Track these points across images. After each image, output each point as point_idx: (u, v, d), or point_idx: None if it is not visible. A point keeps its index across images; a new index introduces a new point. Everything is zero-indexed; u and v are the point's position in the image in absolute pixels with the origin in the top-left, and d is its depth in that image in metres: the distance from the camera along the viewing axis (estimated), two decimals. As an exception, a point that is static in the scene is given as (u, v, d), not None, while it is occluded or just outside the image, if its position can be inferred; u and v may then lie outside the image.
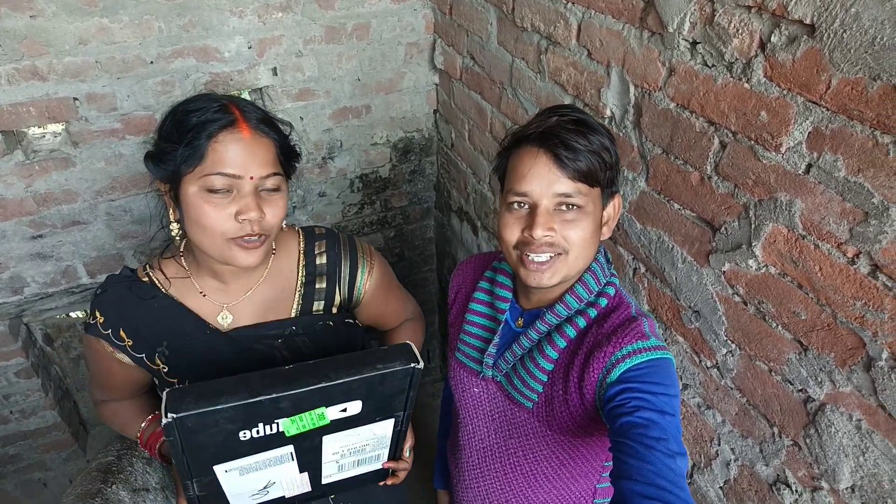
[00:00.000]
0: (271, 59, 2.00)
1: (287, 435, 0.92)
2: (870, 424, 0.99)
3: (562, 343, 1.03)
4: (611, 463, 1.11)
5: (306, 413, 0.89)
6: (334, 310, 1.23)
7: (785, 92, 0.96)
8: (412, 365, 0.90)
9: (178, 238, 1.09)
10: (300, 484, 1.09)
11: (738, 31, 1.01)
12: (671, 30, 1.13)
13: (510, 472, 1.17)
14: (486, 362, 1.13)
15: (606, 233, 1.05)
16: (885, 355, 0.92)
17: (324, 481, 1.11)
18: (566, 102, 1.52)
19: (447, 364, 1.27)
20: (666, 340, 1.38)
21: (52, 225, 2.01)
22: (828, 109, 0.91)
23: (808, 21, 0.89)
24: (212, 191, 0.96)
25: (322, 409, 0.90)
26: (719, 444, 1.30)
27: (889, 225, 0.87)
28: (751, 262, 1.10)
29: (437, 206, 2.60)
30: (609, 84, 1.35)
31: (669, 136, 1.22)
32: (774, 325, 1.09)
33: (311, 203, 2.36)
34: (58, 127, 1.94)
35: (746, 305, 1.14)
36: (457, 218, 2.44)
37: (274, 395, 0.83)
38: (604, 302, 1.05)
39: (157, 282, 1.13)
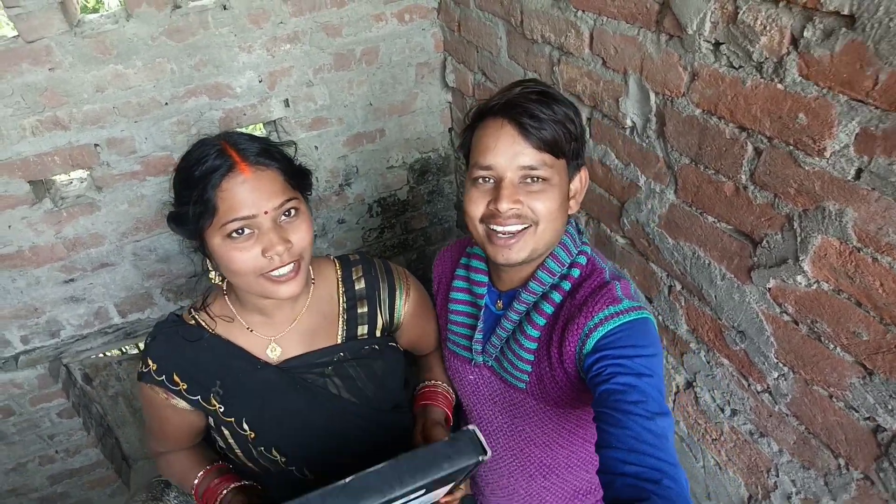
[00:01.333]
0: (282, 91, 1.95)
1: None
2: (952, 457, 0.85)
3: (541, 321, 1.01)
4: None
5: None
6: (378, 333, 1.20)
7: (825, 91, 0.85)
8: (479, 458, 0.80)
9: (220, 283, 1.09)
10: None
11: (765, 27, 0.90)
12: (691, 31, 1.03)
13: (527, 448, 1.16)
14: (474, 349, 1.12)
15: (574, 207, 1.02)
16: (965, 381, 0.79)
17: None
18: (584, 112, 1.42)
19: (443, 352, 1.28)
20: (709, 363, 1.25)
21: (82, 269, 1.99)
22: (877, 107, 0.79)
23: (845, 12, 0.78)
24: (233, 237, 0.94)
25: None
26: (777, 476, 1.17)
27: (961, 234, 0.74)
28: (799, 277, 0.97)
29: (459, 224, 2.51)
30: (627, 93, 1.24)
31: (697, 145, 1.10)
32: (832, 346, 0.97)
33: (331, 231, 2.30)
34: (82, 172, 1.94)
35: (798, 325, 1.01)
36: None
37: (351, 479, 0.75)
38: (576, 273, 1.03)
39: (203, 323, 1.12)
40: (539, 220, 0.93)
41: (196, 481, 1.18)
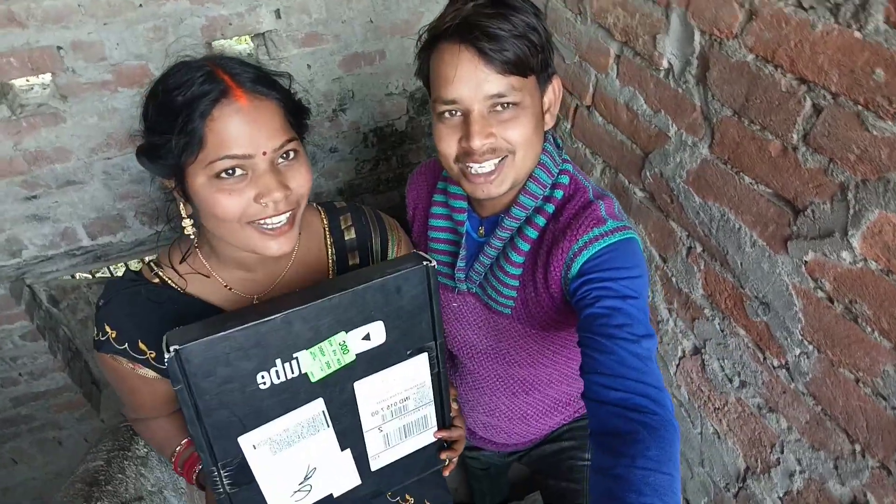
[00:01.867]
0: (274, 0, 1.76)
1: (312, 379, 0.81)
2: None
3: (525, 246, 0.99)
4: None
5: (326, 343, 0.79)
6: None
7: (915, 43, 0.74)
8: (424, 263, 0.81)
9: (192, 235, 0.93)
10: (346, 472, 0.95)
11: (853, -39, 0.77)
12: (757, -39, 0.90)
13: (511, 368, 1.15)
14: (458, 277, 1.09)
15: (549, 121, 0.95)
16: None
17: (373, 466, 0.97)
18: (612, 48, 1.29)
19: None
20: (723, 332, 1.19)
21: (45, 185, 1.84)
22: (979, 68, 0.69)
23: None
24: (222, 177, 0.81)
25: (342, 337, 0.79)
26: (782, 452, 1.14)
27: None
28: (844, 253, 0.90)
29: (459, 162, 2.38)
30: (668, 29, 1.11)
31: (744, 96, 0.99)
32: (869, 329, 0.90)
33: (322, 160, 2.15)
34: (45, 78, 1.75)
35: (832, 303, 0.95)
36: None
37: (284, 313, 0.74)
38: (559, 194, 0.98)
39: (170, 281, 0.97)
40: (516, 149, 0.88)
41: (178, 448, 1.06)
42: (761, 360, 1.12)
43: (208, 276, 0.97)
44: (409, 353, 0.87)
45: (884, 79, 0.78)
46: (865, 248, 0.87)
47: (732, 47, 0.99)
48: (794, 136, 0.93)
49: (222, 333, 0.72)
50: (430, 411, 0.97)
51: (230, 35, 1.78)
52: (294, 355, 0.78)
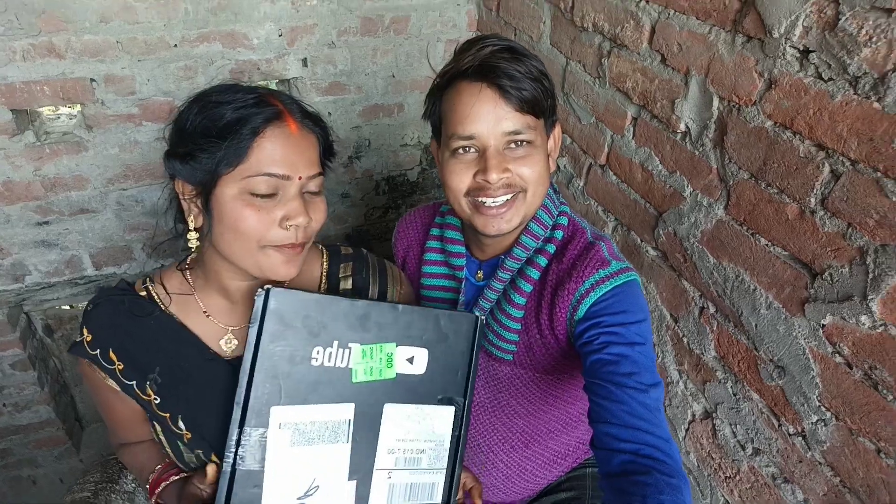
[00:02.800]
0: (302, 49, 1.83)
1: (353, 379, 0.84)
2: None
3: (527, 287, 0.99)
4: None
5: (377, 346, 0.85)
6: None
7: (934, 115, 0.77)
8: (477, 313, 0.90)
9: (193, 248, 0.92)
10: (342, 501, 0.91)
11: (871, 38, 0.82)
12: (776, 35, 0.94)
13: (510, 421, 1.12)
14: None
15: (552, 165, 0.98)
16: None
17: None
18: (629, 111, 1.34)
19: None
20: (735, 396, 1.18)
21: (59, 212, 1.86)
22: None
23: (980, 27, 0.70)
24: (255, 194, 0.82)
25: (391, 348, 0.85)
26: (796, 524, 1.10)
27: None
28: (864, 318, 0.90)
29: (468, 216, 2.42)
30: (686, 95, 1.16)
31: (762, 160, 1.02)
32: (891, 397, 0.89)
33: (333, 204, 2.19)
34: (73, 109, 1.80)
35: (851, 369, 0.94)
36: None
37: (367, 301, 0.84)
38: (560, 234, 1.00)
39: (156, 297, 0.98)
40: (528, 186, 0.91)
41: (152, 475, 1.01)
42: (776, 426, 1.10)
43: (189, 298, 0.97)
44: (439, 398, 0.90)
45: (903, 148, 0.81)
46: (885, 312, 0.87)
47: (751, 113, 1.03)
48: (812, 200, 0.95)
49: (309, 294, 0.81)
50: (440, 480, 0.93)
51: (257, 79, 1.84)
52: (349, 344, 0.83)
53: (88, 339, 0.95)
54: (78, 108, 1.75)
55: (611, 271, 0.91)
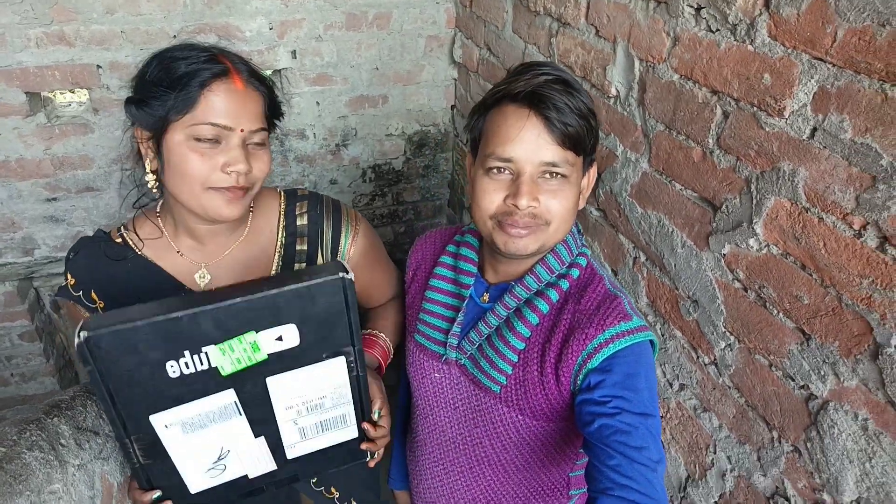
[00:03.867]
0: (291, 42, 2.01)
1: (222, 373, 0.84)
2: (877, 425, 0.87)
3: (534, 319, 0.96)
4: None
5: (236, 340, 0.81)
6: None
7: (789, 50, 0.89)
8: (340, 275, 0.81)
9: (154, 190, 1.05)
10: (261, 457, 1.00)
11: (744, -12, 0.94)
12: (678, -5, 1.08)
13: (476, 464, 1.09)
14: (450, 343, 1.05)
15: (581, 203, 0.98)
16: (894, 341, 0.82)
17: (289, 454, 1.02)
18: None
19: (404, 350, 1.20)
20: (663, 336, 1.28)
21: (66, 189, 2.04)
22: (834, 65, 0.83)
23: (815, -32, 0.82)
24: (199, 140, 0.93)
25: (252, 336, 0.82)
26: (715, 453, 1.19)
27: (898, 189, 0.78)
28: (752, 241, 1.01)
29: (450, 203, 2.55)
30: (615, 61, 1.29)
31: (672, 111, 1.14)
32: (775, 312, 0.99)
33: (322, 190, 2.34)
34: (84, 97, 1.99)
35: (746, 291, 1.05)
36: (468, 215, 2.38)
37: (192, 312, 0.77)
38: (576, 273, 0.99)
39: (130, 242, 1.10)
40: (552, 221, 0.91)
41: None
42: (695, 359, 1.20)
43: (161, 240, 1.09)
44: (325, 355, 0.90)
45: (770, 82, 0.93)
46: (767, 233, 0.98)
47: (662, 70, 1.15)
48: (710, 141, 1.07)
49: (130, 325, 0.76)
50: (350, 411, 0.99)
51: (249, 68, 2.01)
52: (203, 349, 0.82)
53: (72, 282, 1.08)
54: (86, 95, 1.94)
55: (632, 326, 0.90)
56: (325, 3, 1.98)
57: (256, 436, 0.96)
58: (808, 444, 0.98)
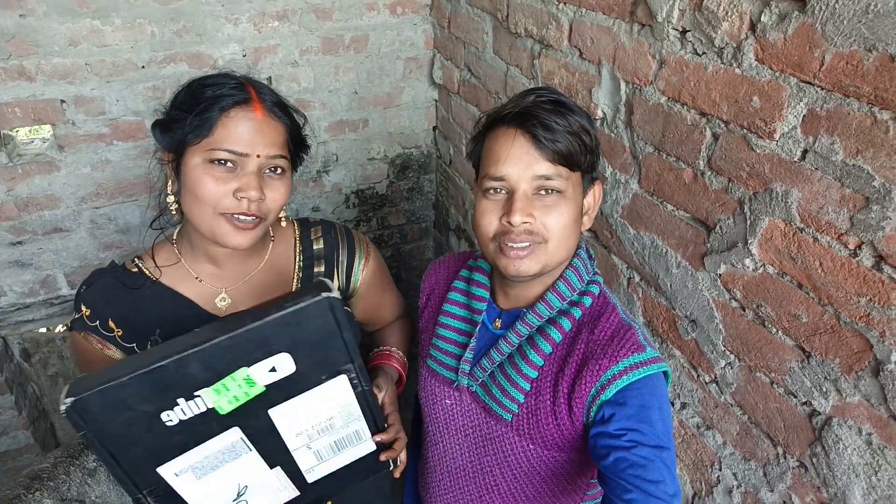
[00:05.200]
0: (266, 68, 2.01)
1: (221, 413, 0.85)
2: (881, 439, 0.91)
3: (547, 348, 0.98)
4: (596, 480, 1.04)
5: (228, 379, 0.81)
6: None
7: (777, 74, 0.93)
8: (324, 295, 0.80)
9: (174, 213, 1.07)
10: (281, 487, 1.00)
11: (727, 13, 0.98)
12: (660, 19, 1.11)
13: (486, 492, 1.10)
14: (461, 369, 1.06)
15: (587, 223, 1.01)
16: (894, 358, 0.86)
17: (308, 478, 1.01)
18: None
19: (418, 374, 1.21)
20: (663, 355, 1.31)
21: (32, 231, 2.00)
22: (822, 88, 0.87)
23: (798, -5, 0.86)
24: (215, 163, 0.96)
25: (245, 372, 0.82)
26: (720, 469, 1.21)
27: (892, 209, 0.81)
28: (747, 261, 1.04)
29: (436, 225, 2.57)
30: (600, 83, 1.32)
31: (661, 133, 1.18)
32: (774, 330, 1.03)
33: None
34: (47, 133, 1.96)
35: (744, 311, 1.08)
36: (455, 237, 2.40)
37: (176, 357, 0.77)
38: (588, 301, 1.00)
39: (146, 271, 1.11)
40: (549, 237, 0.92)
41: None
42: (695, 377, 1.22)
43: (179, 268, 1.10)
44: (324, 377, 0.90)
45: (759, 104, 0.96)
46: (762, 253, 1.01)
47: (649, 92, 1.19)
48: (701, 163, 1.10)
49: (116, 382, 0.76)
50: (362, 426, 1.00)
51: (222, 97, 2.00)
52: (196, 394, 0.82)
53: (87, 313, 1.08)
54: (50, 130, 1.91)
55: (647, 358, 0.91)
56: (300, 28, 1.99)
57: (272, 467, 0.97)
58: (814, 460, 1.01)
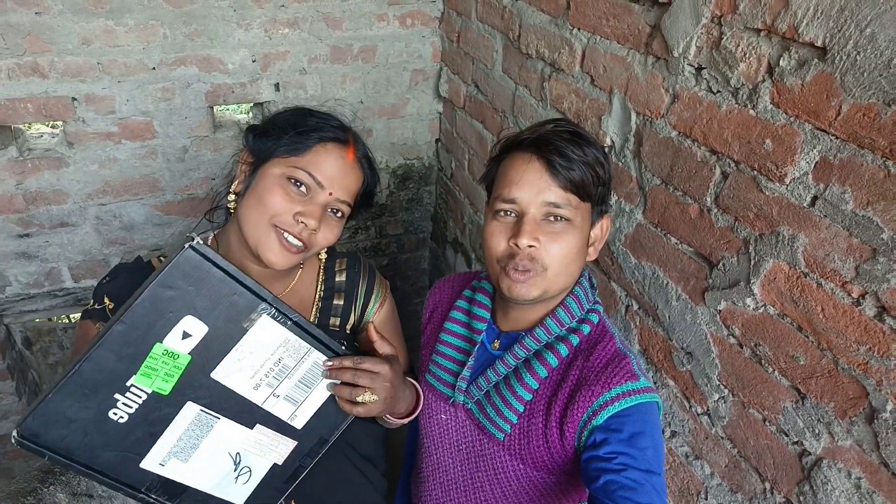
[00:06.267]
0: (274, 75, 1.97)
1: (165, 393, 0.83)
2: (870, 484, 0.89)
3: (543, 372, 0.97)
4: (585, 503, 1.02)
5: (148, 359, 0.80)
6: (348, 328, 1.18)
7: (792, 119, 0.90)
8: (186, 246, 0.77)
9: (231, 209, 1.05)
10: (274, 442, 0.97)
11: (745, 54, 0.96)
12: (676, 54, 1.08)
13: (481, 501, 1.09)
14: (458, 386, 1.06)
15: (593, 254, 1.00)
16: (889, 407, 0.83)
17: (297, 425, 0.97)
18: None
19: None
20: (656, 384, 1.28)
21: (39, 224, 1.96)
22: (837, 138, 0.84)
23: (819, 43, 0.84)
24: (292, 181, 0.97)
25: (160, 347, 0.80)
26: (706, 499, 1.19)
27: (900, 263, 0.79)
28: (748, 300, 1.02)
29: (434, 237, 2.53)
30: (610, 111, 1.30)
31: (669, 166, 1.15)
32: (771, 370, 1.00)
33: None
34: (56, 129, 1.92)
35: (742, 348, 1.05)
36: (451, 249, 2.37)
37: (84, 359, 0.76)
38: (586, 329, 0.99)
39: None
40: (548, 266, 0.91)
41: None
42: (687, 408, 1.20)
43: None
44: (245, 325, 0.86)
45: (772, 148, 0.94)
46: (764, 294, 0.99)
47: (660, 125, 1.16)
48: (708, 200, 1.07)
49: (43, 401, 0.75)
50: (318, 357, 0.94)
51: (231, 102, 1.97)
52: (127, 385, 0.80)
53: (110, 306, 1.05)
54: (60, 126, 1.86)
55: (639, 386, 0.91)
56: (310, 36, 1.95)
57: (251, 427, 0.94)
58: (801, 498, 0.99)
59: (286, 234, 0.97)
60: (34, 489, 1.01)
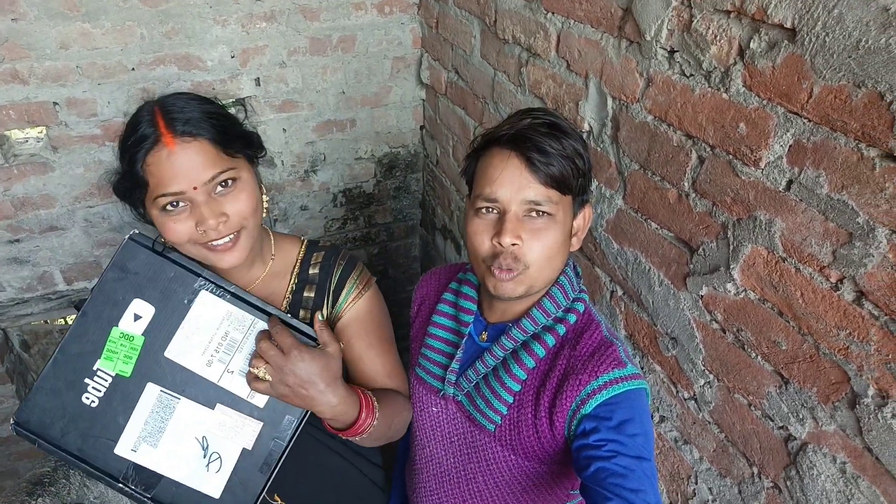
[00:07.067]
0: (254, 70, 1.93)
1: (127, 375, 0.92)
2: (855, 468, 0.87)
3: (531, 362, 0.96)
4: (577, 491, 1.02)
5: (108, 343, 0.91)
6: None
7: (765, 102, 0.87)
8: (126, 237, 0.93)
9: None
10: (239, 423, 0.95)
11: (716, 37, 0.92)
12: (648, 38, 1.05)
13: (469, 497, 1.09)
14: (448, 379, 1.05)
15: (576, 244, 0.98)
16: (871, 392, 0.82)
17: (258, 402, 0.96)
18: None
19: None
20: (643, 369, 1.27)
21: (29, 230, 1.93)
22: (809, 121, 0.81)
23: (788, 25, 0.80)
24: (167, 209, 0.92)
25: (116, 331, 0.91)
26: (696, 483, 1.18)
27: (875, 247, 0.76)
28: (729, 286, 0.99)
29: (423, 223, 2.51)
30: (587, 96, 1.26)
31: (647, 151, 1.12)
32: (754, 355, 0.98)
33: (293, 216, 2.27)
34: (40, 133, 1.88)
35: (725, 333, 1.03)
36: (440, 236, 2.34)
37: (60, 346, 0.89)
38: (573, 318, 0.98)
39: None
40: (531, 265, 0.90)
41: None
42: (674, 393, 1.18)
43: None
44: (186, 301, 0.93)
45: (746, 131, 0.91)
46: (744, 279, 0.97)
47: (636, 110, 1.13)
48: (686, 184, 1.05)
49: (34, 388, 0.89)
50: (259, 322, 0.96)
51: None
52: (94, 369, 0.91)
53: None
54: (43, 130, 1.83)
55: (626, 373, 0.90)
56: (288, 29, 1.91)
57: (212, 407, 0.95)
58: (788, 483, 0.98)
59: (212, 243, 0.94)
60: (22, 502, 1.00)
